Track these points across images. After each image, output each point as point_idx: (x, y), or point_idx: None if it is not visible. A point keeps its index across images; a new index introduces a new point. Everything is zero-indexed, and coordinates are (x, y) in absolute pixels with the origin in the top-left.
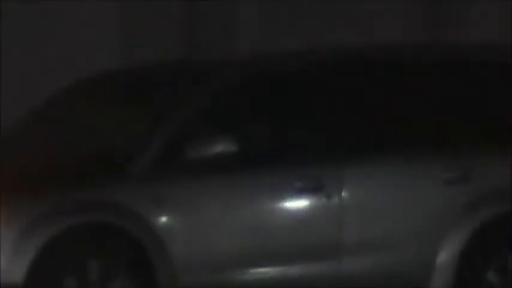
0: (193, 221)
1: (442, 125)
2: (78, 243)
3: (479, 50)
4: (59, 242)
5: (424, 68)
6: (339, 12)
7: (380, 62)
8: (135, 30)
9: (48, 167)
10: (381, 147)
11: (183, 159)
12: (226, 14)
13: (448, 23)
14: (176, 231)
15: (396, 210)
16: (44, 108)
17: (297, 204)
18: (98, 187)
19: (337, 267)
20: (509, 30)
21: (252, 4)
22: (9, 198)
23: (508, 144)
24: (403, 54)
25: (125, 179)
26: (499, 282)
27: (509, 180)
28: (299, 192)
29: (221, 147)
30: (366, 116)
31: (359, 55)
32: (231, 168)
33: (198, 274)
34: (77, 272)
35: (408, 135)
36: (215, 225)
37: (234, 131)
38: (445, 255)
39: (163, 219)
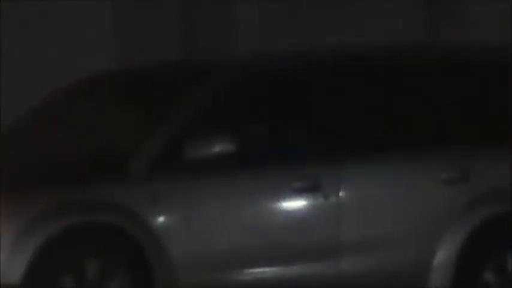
0: (192, 221)
1: (441, 125)
2: (76, 243)
3: (479, 50)
4: (57, 241)
5: (424, 67)
6: (338, 12)
7: (379, 62)
8: (135, 30)
9: (47, 166)
10: (379, 147)
11: (182, 159)
12: (226, 14)
13: (448, 23)
14: (175, 231)
15: (394, 210)
16: (43, 108)
17: (295, 204)
18: (97, 187)
19: (336, 267)
20: (509, 30)
21: (252, 4)
22: (7, 198)
23: (508, 144)
24: (402, 54)
25: (123, 179)
26: (497, 282)
27: (508, 180)
28: (297, 192)
29: (220, 147)
30: (364, 115)
31: (358, 55)
32: (230, 168)
33: (197, 274)
34: (75, 271)
35: (407, 135)
36: (214, 225)
37: (232, 130)
38: (444, 255)
39: (162, 219)
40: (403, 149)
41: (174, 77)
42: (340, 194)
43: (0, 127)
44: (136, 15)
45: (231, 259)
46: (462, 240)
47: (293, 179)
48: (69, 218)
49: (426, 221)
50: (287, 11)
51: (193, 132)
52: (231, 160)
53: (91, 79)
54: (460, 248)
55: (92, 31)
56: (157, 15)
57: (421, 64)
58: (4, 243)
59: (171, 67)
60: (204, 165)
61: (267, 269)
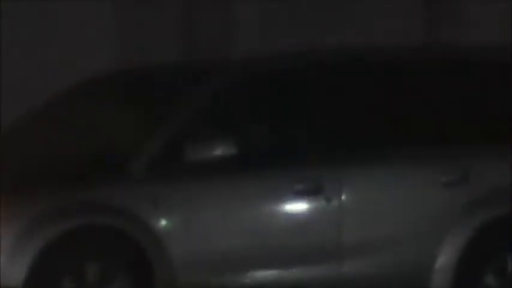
0: (192, 223)
1: (441, 127)
2: (77, 245)
3: (479, 50)
4: (57, 244)
5: (424, 69)
6: (338, 12)
7: (380, 63)
8: (135, 30)
9: (47, 168)
10: (380, 149)
11: (183, 161)
12: (226, 14)
13: (448, 23)
14: (175, 233)
15: (396, 212)
16: (44, 109)
17: (296, 206)
18: (97, 188)
19: (337, 270)
20: (509, 30)
21: (252, 4)
22: (8, 199)
23: (508, 145)
24: (402, 54)
25: (124, 180)
26: (498, 284)
27: (508, 182)
28: (299, 195)
29: (220, 148)
30: (366, 117)
31: (359, 56)
32: (231, 170)
33: (198, 276)
34: (75, 274)
35: (408, 137)
36: (214, 227)
37: (233, 132)
38: (445, 258)
39: (163, 221)
40: (404, 151)
41: (174, 78)
42: (342, 196)
43: (0, 127)
44: (136, 15)
45: (232, 262)
46: (463, 243)
47: (294, 181)
48: (69, 220)
49: (427, 223)
50: (287, 11)
51: (193, 133)
52: (232, 162)
53: (92, 80)
54: (461, 251)
55: (92, 31)
56: (157, 15)
57: (422, 65)
58: (4, 246)
59: (171, 68)
60: (205, 167)
61: (268, 272)
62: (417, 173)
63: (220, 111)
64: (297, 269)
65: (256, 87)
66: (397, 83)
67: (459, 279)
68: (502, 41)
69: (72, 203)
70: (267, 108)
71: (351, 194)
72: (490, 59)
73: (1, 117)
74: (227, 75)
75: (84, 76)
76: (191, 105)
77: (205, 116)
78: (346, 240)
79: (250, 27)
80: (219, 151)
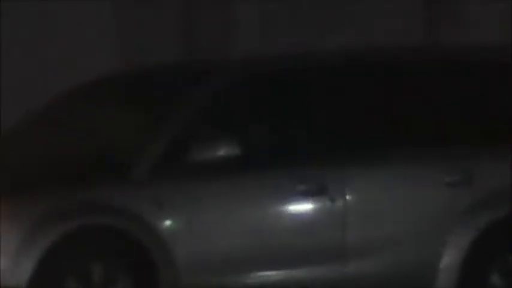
0: (196, 224)
1: (444, 127)
2: (81, 246)
3: (479, 50)
4: (61, 245)
5: (426, 69)
6: (338, 12)
7: (382, 63)
8: (135, 30)
9: (50, 169)
10: (384, 149)
11: (186, 161)
12: (226, 14)
13: (448, 23)
14: (179, 233)
15: (400, 212)
16: (46, 110)
17: (301, 207)
18: (101, 190)
19: (341, 270)
20: (509, 30)
21: (252, 4)
22: (12, 201)
23: (508, 146)
24: (404, 55)
25: (127, 181)
26: (503, 284)
27: (510, 182)
28: (302, 195)
29: (224, 149)
30: (368, 118)
31: (361, 56)
32: (234, 171)
33: (202, 277)
34: (79, 275)
35: (411, 138)
36: (219, 227)
37: (237, 132)
38: (449, 258)
39: (166, 221)
40: (407, 151)
41: (175, 78)
42: (346, 197)
43: (0, 127)
44: (136, 15)
45: (236, 262)
46: (467, 243)
47: (298, 181)
48: (73, 221)
49: (431, 223)
50: (287, 11)
51: (197, 134)
52: (235, 162)
53: (94, 82)
54: (465, 251)
55: (92, 31)
56: (157, 15)
57: (424, 65)
58: (9, 247)
59: (172, 68)
60: (208, 168)
61: (272, 273)
62: (421, 173)
63: (223, 112)
64: (301, 270)
65: (258, 87)
66: (399, 83)
67: (464, 280)
68: (502, 41)
69: (75, 204)
70: (270, 108)
71: (355, 194)
72: (491, 59)
73: (1, 117)
74: (230, 75)
75: (84, 76)
76: (194, 105)
77: (208, 117)
78: (350, 241)
79: (250, 27)
80: (222, 152)
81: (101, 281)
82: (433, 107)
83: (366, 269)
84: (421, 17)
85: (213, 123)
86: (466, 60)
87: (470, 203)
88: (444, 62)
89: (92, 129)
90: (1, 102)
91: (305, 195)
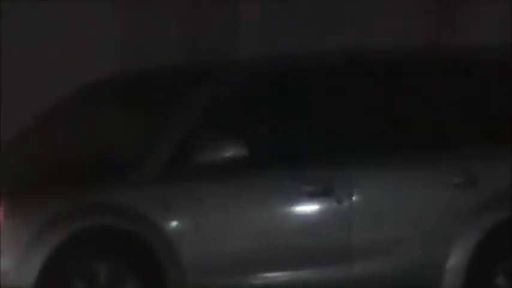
0: (202, 224)
1: (449, 128)
2: (88, 246)
3: (486, 51)
4: (68, 245)
5: (433, 70)
6: (338, 12)
7: (390, 65)
8: (135, 30)
9: (58, 170)
10: (391, 150)
11: (192, 163)
12: (226, 14)
13: (448, 23)
14: (185, 234)
15: (406, 213)
16: (52, 113)
17: (307, 208)
18: (108, 190)
19: (348, 272)
20: (509, 30)
21: (252, 4)
22: (19, 202)
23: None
24: (411, 55)
25: (134, 183)
26: (508, 285)
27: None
28: (309, 196)
29: (230, 150)
30: (375, 119)
31: (367, 56)
32: (240, 172)
33: (208, 278)
34: (86, 275)
35: (418, 139)
36: (225, 228)
37: (243, 134)
38: (455, 259)
39: (173, 222)
40: (414, 152)
41: (181, 81)
42: (353, 198)
43: (0, 126)
44: (137, 15)
45: (242, 263)
46: (473, 244)
47: (305, 183)
48: (80, 221)
49: (438, 225)
50: (287, 11)
51: (203, 135)
52: (242, 164)
53: (99, 83)
54: (471, 252)
55: (92, 31)
56: (158, 15)
57: (431, 67)
58: (16, 247)
59: (177, 70)
60: (214, 169)
61: (278, 274)
62: (428, 174)
63: (229, 113)
64: (307, 271)
65: (265, 88)
66: (407, 85)
67: (470, 280)
68: (502, 41)
69: (82, 205)
70: (276, 109)
71: (361, 195)
72: (496, 60)
73: (1, 117)
74: (236, 76)
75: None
76: (201, 108)
77: (214, 118)
78: (357, 242)
79: (251, 27)
80: (228, 153)
81: (108, 281)
82: (438, 108)
83: (372, 270)
84: (421, 17)
85: (219, 125)
86: (467, 61)
87: (476, 204)
88: (445, 62)
89: (99, 131)
90: (1, 102)
91: (311, 196)
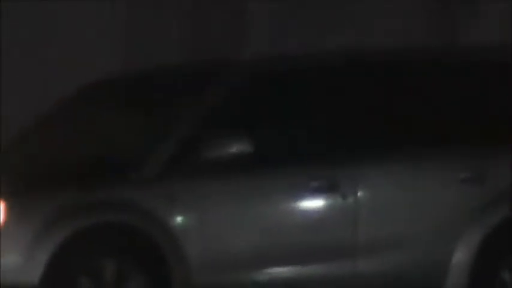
0: (209, 221)
1: (457, 125)
2: (94, 243)
3: (491, 50)
4: (73, 242)
5: (439, 68)
6: (338, 12)
7: (397, 63)
8: (136, 30)
9: (63, 168)
10: (396, 147)
11: (198, 159)
12: (226, 14)
13: (448, 23)
14: (192, 231)
15: (411, 210)
16: (56, 112)
17: (312, 204)
18: (114, 187)
19: (353, 267)
20: (509, 30)
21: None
22: (24, 199)
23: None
24: (417, 53)
25: (140, 179)
26: None
27: None
28: (314, 192)
29: (236, 147)
30: (381, 115)
31: (373, 54)
32: (246, 168)
33: (213, 274)
34: (92, 272)
35: (424, 135)
36: (230, 225)
37: (248, 130)
38: (461, 255)
39: (178, 218)
40: (420, 148)
41: (187, 78)
42: (358, 194)
43: (0, 126)
44: (137, 15)
45: (247, 259)
46: (479, 240)
47: (310, 179)
48: (85, 218)
49: (444, 221)
50: (287, 11)
51: (209, 132)
52: (248, 160)
53: (103, 81)
54: (477, 248)
55: (92, 31)
56: (158, 15)
57: (438, 64)
58: (21, 244)
59: (181, 68)
60: (220, 165)
61: (283, 269)
62: (433, 171)
63: (234, 110)
64: (312, 267)
65: (271, 86)
66: (411, 82)
67: (475, 276)
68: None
69: (87, 201)
70: (281, 106)
71: (367, 191)
72: (501, 59)
73: (1, 117)
74: (243, 75)
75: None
76: (207, 105)
77: (220, 115)
78: (362, 238)
79: (251, 27)
80: (234, 149)
81: (113, 278)
82: (443, 105)
83: (377, 266)
84: (421, 17)
85: (225, 122)
86: (480, 61)
87: (484, 201)
88: (459, 62)
89: (100, 130)
90: (1, 102)
91: (317, 193)
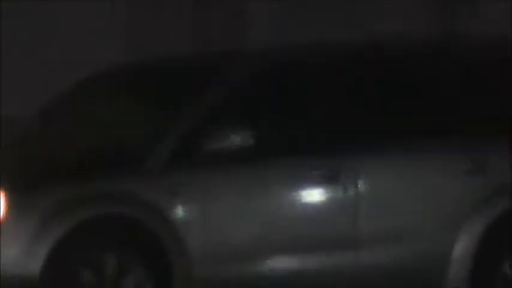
0: (210, 213)
1: (459, 117)
2: (95, 235)
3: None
4: (74, 235)
5: (440, 59)
6: (338, 12)
7: (400, 56)
8: (136, 30)
9: (65, 160)
10: (397, 138)
11: (200, 151)
12: (226, 14)
13: (448, 23)
14: (193, 223)
15: (412, 202)
16: (58, 105)
17: (314, 195)
18: (114, 180)
19: (354, 259)
20: (509, 30)
21: (253, 3)
22: (26, 191)
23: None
24: (424, 45)
25: (142, 171)
26: None
27: None
28: (316, 184)
29: (237, 139)
30: (383, 107)
31: (379, 45)
32: (247, 160)
33: (215, 266)
34: (93, 264)
35: (425, 127)
36: (231, 216)
37: (251, 122)
38: (463, 247)
39: (180, 210)
40: (421, 140)
41: (190, 71)
42: (359, 185)
43: (0, 126)
44: (137, 15)
45: (248, 251)
46: (481, 232)
47: (311, 170)
48: (85, 211)
49: (445, 212)
50: (287, 11)
51: (210, 124)
52: (249, 152)
53: (106, 72)
54: (479, 240)
55: (92, 31)
56: (158, 15)
57: (441, 57)
58: (22, 236)
59: (186, 61)
60: (222, 157)
61: (285, 260)
62: (434, 162)
63: (238, 103)
64: (313, 258)
65: (273, 78)
66: (414, 74)
67: (477, 267)
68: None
69: (88, 194)
70: (283, 98)
71: (368, 182)
72: (507, 53)
73: (1, 117)
74: (245, 67)
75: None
76: (209, 97)
77: (223, 108)
78: (363, 229)
79: (251, 27)
80: (236, 141)
81: (115, 271)
82: (445, 96)
83: (378, 258)
84: (421, 17)
85: (226, 113)
86: (480, 56)
87: (486, 192)
88: (464, 54)
89: (109, 121)
90: (1, 102)
91: (318, 184)
